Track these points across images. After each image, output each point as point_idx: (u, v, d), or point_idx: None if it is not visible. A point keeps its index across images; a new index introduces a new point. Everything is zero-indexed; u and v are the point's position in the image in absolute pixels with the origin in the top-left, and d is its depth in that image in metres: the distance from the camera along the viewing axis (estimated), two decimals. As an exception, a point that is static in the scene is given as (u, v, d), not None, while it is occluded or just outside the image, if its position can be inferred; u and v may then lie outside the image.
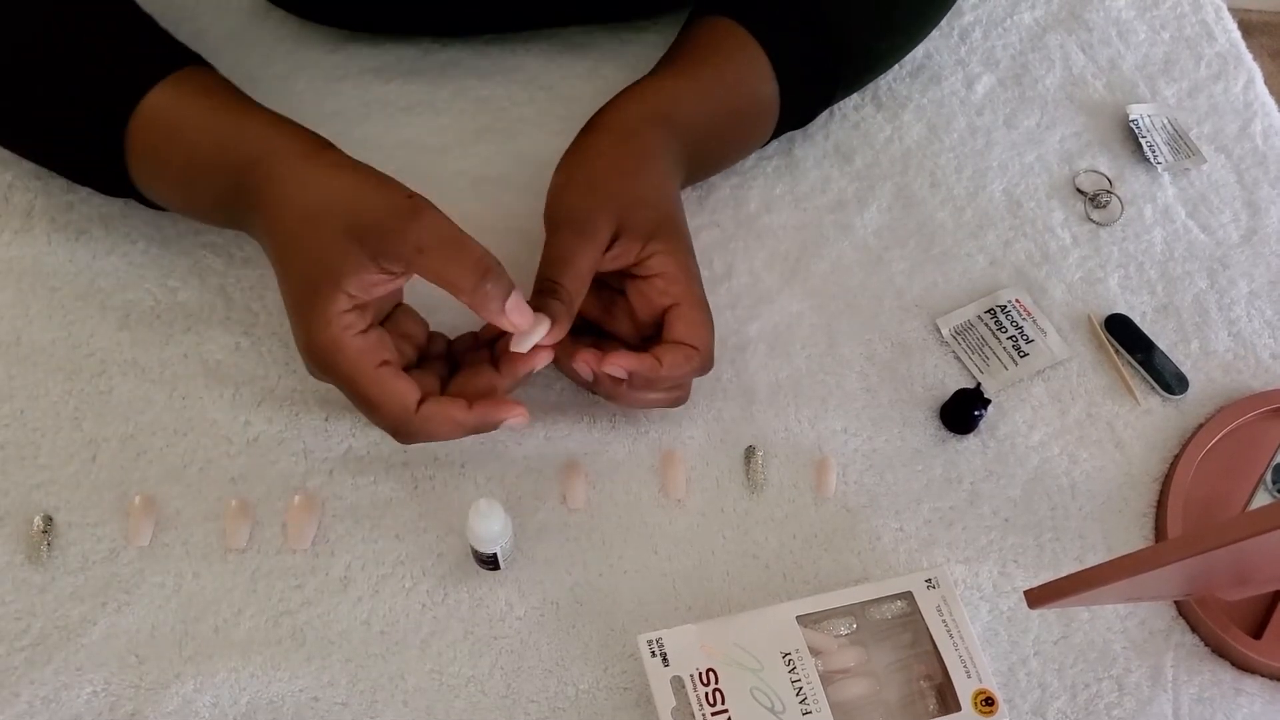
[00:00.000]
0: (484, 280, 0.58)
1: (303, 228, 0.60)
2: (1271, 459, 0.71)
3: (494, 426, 0.63)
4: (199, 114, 0.65)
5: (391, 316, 0.65)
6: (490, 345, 0.66)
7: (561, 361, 0.65)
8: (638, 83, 0.72)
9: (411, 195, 0.60)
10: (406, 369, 0.63)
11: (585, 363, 0.64)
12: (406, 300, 0.67)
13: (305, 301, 0.59)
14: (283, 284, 0.62)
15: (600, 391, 0.67)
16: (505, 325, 0.60)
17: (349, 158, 0.63)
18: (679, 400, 0.68)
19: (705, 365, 0.66)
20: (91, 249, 0.74)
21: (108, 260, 0.73)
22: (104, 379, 0.69)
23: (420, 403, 0.61)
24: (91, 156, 0.67)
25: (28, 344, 0.70)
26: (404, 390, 0.60)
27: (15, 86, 0.67)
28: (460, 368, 0.65)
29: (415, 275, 0.60)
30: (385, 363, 0.60)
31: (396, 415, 0.60)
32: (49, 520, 0.65)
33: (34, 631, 0.62)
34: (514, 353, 0.62)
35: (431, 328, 0.68)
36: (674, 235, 0.66)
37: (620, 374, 0.63)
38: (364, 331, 0.60)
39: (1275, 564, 0.56)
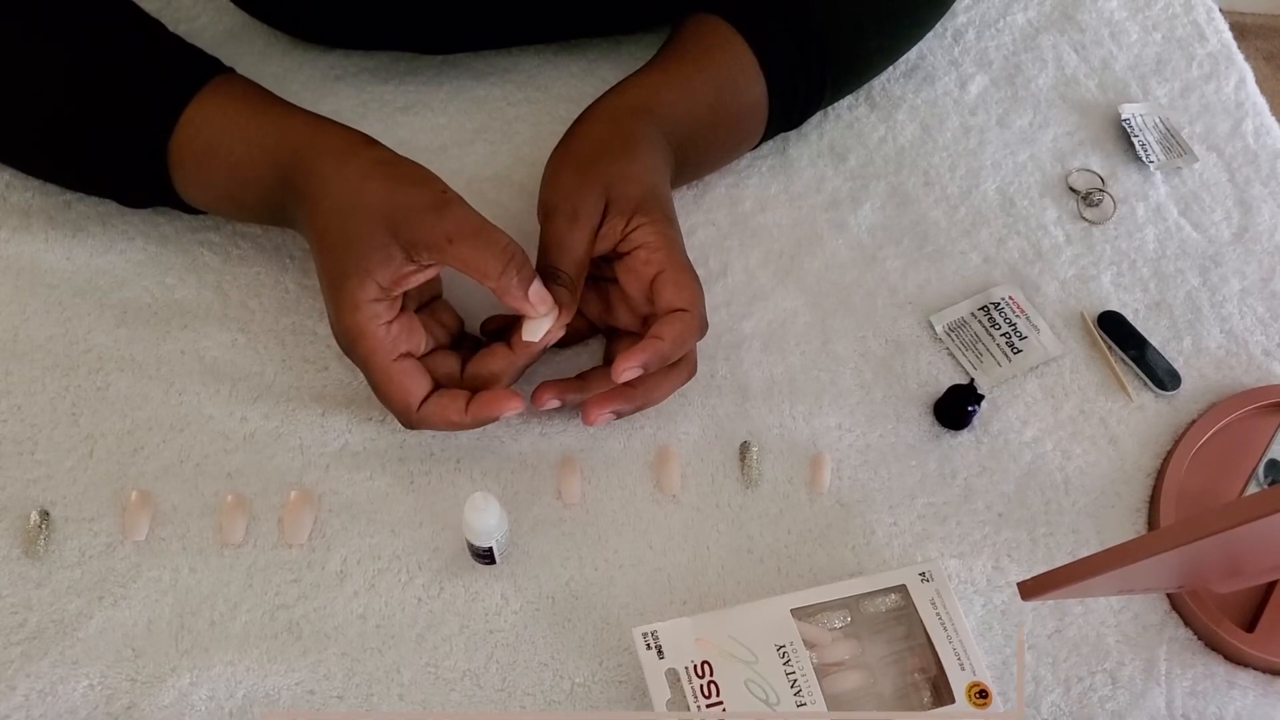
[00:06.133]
0: (509, 267, 0.61)
1: (341, 219, 0.62)
2: (1263, 454, 0.71)
3: (492, 421, 0.65)
4: (238, 121, 0.67)
5: (430, 306, 0.68)
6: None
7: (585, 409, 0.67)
8: (621, 80, 0.73)
9: (444, 190, 0.64)
10: (434, 351, 0.66)
11: (548, 395, 0.66)
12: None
13: (337, 286, 0.62)
14: (320, 271, 0.64)
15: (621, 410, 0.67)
16: (527, 310, 0.63)
17: (389, 152, 0.65)
18: (689, 374, 0.69)
19: (701, 326, 0.67)
20: (89, 247, 0.74)
21: (105, 258, 0.74)
22: (101, 375, 0.70)
23: (424, 401, 0.64)
24: (134, 174, 0.69)
25: (25, 340, 0.70)
26: (410, 389, 0.63)
27: (51, 114, 0.68)
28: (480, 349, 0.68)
29: (446, 266, 0.63)
30: (403, 356, 0.63)
31: (399, 410, 0.64)
32: (45, 515, 0.65)
33: (30, 625, 0.62)
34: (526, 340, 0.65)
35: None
36: (656, 208, 0.67)
37: (637, 371, 0.64)
38: (389, 323, 0.63)
39: (1267, 554, 0.56)
